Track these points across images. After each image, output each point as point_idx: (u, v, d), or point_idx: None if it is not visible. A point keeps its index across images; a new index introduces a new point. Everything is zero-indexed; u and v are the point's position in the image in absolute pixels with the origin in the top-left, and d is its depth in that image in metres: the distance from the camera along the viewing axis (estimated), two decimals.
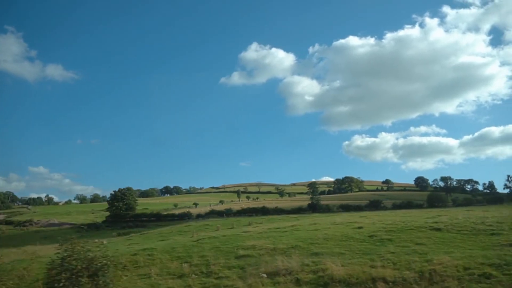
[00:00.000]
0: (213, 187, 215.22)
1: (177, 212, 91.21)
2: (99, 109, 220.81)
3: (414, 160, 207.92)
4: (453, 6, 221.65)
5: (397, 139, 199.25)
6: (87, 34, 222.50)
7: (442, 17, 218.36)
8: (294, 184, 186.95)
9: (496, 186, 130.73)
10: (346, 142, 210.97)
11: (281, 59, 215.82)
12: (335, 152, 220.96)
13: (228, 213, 76.88)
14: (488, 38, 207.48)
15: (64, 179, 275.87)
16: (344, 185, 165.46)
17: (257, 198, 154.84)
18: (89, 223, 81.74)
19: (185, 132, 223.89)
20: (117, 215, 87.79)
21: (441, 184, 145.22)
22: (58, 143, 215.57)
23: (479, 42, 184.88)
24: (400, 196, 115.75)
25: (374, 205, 78.24)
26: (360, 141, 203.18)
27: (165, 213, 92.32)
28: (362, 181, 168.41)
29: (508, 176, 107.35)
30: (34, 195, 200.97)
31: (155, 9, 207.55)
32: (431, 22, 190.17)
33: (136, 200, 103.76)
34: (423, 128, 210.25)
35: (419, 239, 17.78)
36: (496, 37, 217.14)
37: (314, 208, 78.68)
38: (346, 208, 74.41)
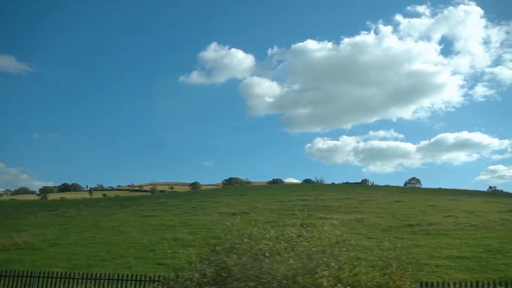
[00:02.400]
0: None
1: None
2: (56, 103, 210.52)
3: (374, 163, 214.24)
4: (405, 15, 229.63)
5: (357, 142, 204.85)
6: (41, 24, 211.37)
7: (395, 25, 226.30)
8: (249, 182, 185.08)
9: None
10: (309, 144, 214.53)
11: (240, 59, 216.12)
12: (298, 154, 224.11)
13: None
14: (439, 48, 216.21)
15: (21, 174, 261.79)
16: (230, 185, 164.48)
17: None
18: None
19: (144, 128, 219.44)
20: None
21: None
22: (14, 137, 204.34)
23: (431, 50, 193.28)
24: None
25: None
26: (322, 143, 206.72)
27: None
28: (249, 182, 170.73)
29: None
30: None
31: (114, 5, 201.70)
32: (385, 30, 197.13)
33: None
34: (381, 133, 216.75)
35: None
36: (447, 47, 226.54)
37: None
38: None
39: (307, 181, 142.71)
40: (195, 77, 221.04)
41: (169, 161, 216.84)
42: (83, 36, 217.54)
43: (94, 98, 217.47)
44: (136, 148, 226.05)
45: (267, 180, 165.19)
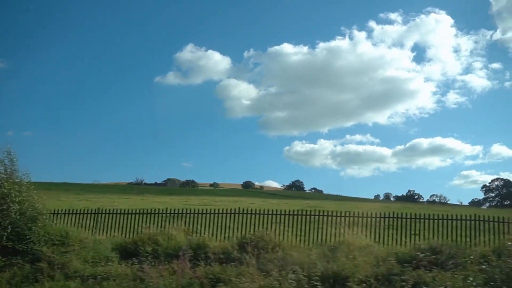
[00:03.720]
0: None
1: None
2: (30, 101, 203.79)
3: (351, 167, 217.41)
4: (378, 21, 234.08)
5: (335, 146, 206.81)
6: (13, 19, 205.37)
7: (369, 31, 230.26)
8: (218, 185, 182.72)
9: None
10: (287, 148, 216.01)
11: (217, 61, 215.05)
12: (276, 157, 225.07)
13: None
14: (412, 55, 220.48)
15: None
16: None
17: None
18: None
19: (119, 127, 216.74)
20: None
21: None
22: None
23: (404, 57, 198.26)
24: None
25: None
26: (300, 146, 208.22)
27: None
28: (196, 184, 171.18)
29: None
30: None
31: (90, 3, 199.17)
32: (359, 35, 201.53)
33: None
34: (358, 137, 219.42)
35: None
36: (419, 54, 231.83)
37: None
38: None
39: (246, 184, 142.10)
40: (171, 78, 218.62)
41: (146, 161, 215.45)
42: (58, 33, 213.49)
43: (69, 96, 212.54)
44: (111, 147, 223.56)
45: (241, 182, 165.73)
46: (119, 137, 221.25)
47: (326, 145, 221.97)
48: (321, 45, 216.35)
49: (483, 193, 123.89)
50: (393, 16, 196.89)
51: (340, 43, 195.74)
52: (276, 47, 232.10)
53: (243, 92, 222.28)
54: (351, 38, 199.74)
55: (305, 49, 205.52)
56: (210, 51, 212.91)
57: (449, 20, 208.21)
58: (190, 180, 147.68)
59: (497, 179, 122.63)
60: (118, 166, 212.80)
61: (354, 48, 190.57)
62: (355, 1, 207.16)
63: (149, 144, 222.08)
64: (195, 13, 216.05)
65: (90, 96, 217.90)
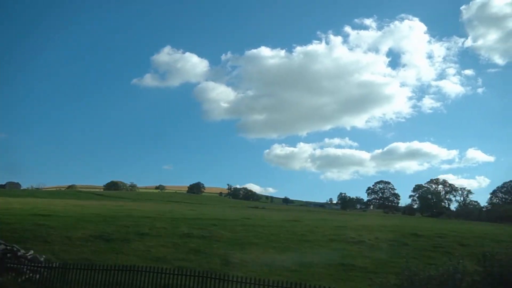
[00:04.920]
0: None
1: None
2: (4, 101, 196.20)
3: (331, 170, 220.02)
4: (354, 27, 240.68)
5: (314, 149, 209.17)
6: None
7: (345, 36, 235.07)
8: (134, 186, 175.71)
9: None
10: (267, 151, 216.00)
11: (194, 64, 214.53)
12: (257, 160, 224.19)
13: None
14: (387, 60, 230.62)
15: None
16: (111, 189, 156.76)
17: None
18: None
19: (98, 129, 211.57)
20: None
21: None
22: None
23: (380, 62, 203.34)
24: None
25: None
26: (279, 150, 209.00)
27: None
28: (134, 186, 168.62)
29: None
30: None
31: (67, 3, 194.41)
32: (335, 40, 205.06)
33: None
34: (337, 140, 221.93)
35: None
36: (394, 59, 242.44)
37: None
38: None
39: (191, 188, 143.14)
40: (149, 80, 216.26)
41: (125, 163, 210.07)
42: (32, 37, 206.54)
43: (46, 99, 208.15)
44: (90, 150, 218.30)
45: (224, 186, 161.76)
46: (94, 140, 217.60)
47: (305, 148, 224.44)
48: (298, 49, 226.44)
49: (366, 195, 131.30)
50: (367, 21, 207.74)
51: (317, 47, 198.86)
52: (254, 50, 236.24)
53: (221, 94, 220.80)
54: (327, 43, 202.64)
55: (282, 52, 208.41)
56: (187, 54, 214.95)
57: (422, 27, 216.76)
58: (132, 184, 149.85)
59: (380, 181, 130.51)
60: (97, 168, 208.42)
61: (330, 52, 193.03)
62: (330, 6, 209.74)
63: (126, 147, 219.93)
64: (173, 15, 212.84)
65: (64, 98, 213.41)
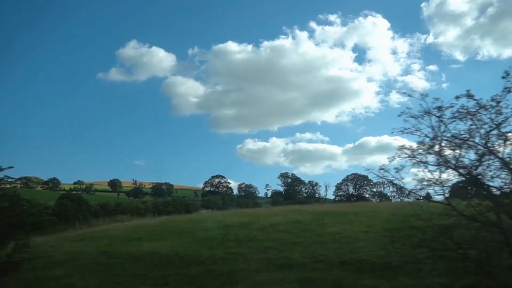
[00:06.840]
0: None
1: None
2: None
3: (304, 165, 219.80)
4: (319, 23, 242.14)
5: (286, 144, 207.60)
6: None
7: (310, 32, 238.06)
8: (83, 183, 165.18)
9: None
10: (239, 146, 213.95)
11: (161, 58, 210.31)
12: (230, 155, 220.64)
13: None
14: (353, 55, 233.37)
15: None
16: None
17: None
18: None
19: (59, 127, 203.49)
20: None
21: None
22: None
23: (346, 57, 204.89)
24: None
25: None
26: (252, 144, 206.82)
27: None
28: (90, 185, 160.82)
29: None
30: None
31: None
32: (302, 35, 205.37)
33: None
34: (308, 135, 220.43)
35: None
36: (360, 55, 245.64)
37: None
38: None
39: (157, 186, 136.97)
40: (114, 74, 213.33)
41: (95, 159, 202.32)
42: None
43: (13, 96, 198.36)
44: (57, 146, 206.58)
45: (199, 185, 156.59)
46: (57, 136, 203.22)
47: (277, 143, 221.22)
48: (265, 43, 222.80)
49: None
50: (332, 17, 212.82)
51: (283, 42, 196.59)
52: (221, 45, 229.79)
53: (190, 89, 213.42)
54: (293, 38, 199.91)
55: (249, 47, 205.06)
56: (154, 48, 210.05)
57: (386, 23, 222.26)
58: (52, 178, 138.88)
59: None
60: (61, 165, 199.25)
61: (297, 47, 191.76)
62: (294, 2, 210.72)
63: (93, 143, 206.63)
64: (138, 9, 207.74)
65: (27, 93, 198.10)
